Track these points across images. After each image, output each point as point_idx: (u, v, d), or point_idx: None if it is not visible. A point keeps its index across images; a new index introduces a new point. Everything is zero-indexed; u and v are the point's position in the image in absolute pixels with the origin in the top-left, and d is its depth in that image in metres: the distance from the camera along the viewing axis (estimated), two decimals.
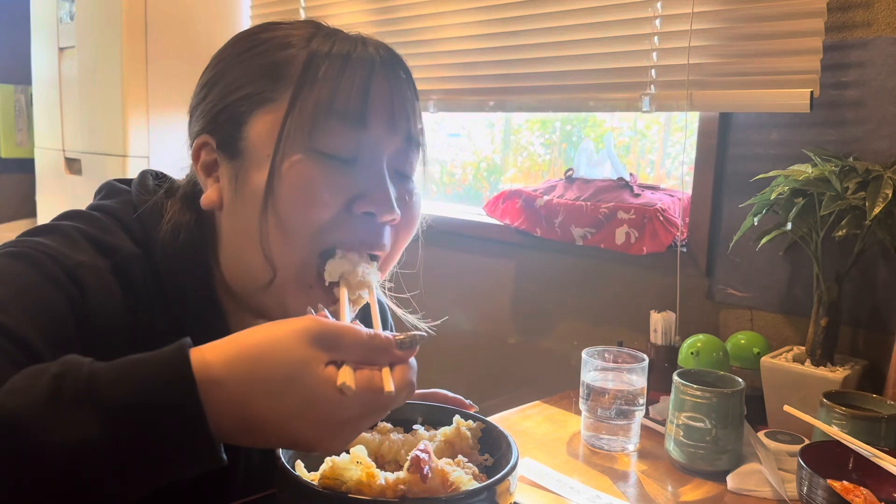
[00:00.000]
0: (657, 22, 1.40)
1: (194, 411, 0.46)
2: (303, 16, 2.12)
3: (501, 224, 1.71)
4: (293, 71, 0.69)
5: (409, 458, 0.59)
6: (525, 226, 1.64)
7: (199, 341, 0.72)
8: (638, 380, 1.06)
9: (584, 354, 1.09)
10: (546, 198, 1.61)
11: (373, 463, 0.60)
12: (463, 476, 0.60)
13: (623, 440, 1.06)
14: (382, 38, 0.75)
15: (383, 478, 0.58)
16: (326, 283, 0.69)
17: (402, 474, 0.59)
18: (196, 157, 0.74)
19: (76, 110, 2.36)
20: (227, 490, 0.77)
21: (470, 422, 0.72)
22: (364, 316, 0.90)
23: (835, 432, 0.88)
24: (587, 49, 1.52)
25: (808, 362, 1.13)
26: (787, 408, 0.91)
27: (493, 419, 0.93)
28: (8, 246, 0.67)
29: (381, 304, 1.00)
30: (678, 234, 1.43)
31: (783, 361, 1.14)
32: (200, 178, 0.74)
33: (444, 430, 0.70)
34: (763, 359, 1.15)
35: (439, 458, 0.65)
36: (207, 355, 0.49)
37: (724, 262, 1.38)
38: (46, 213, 2.63)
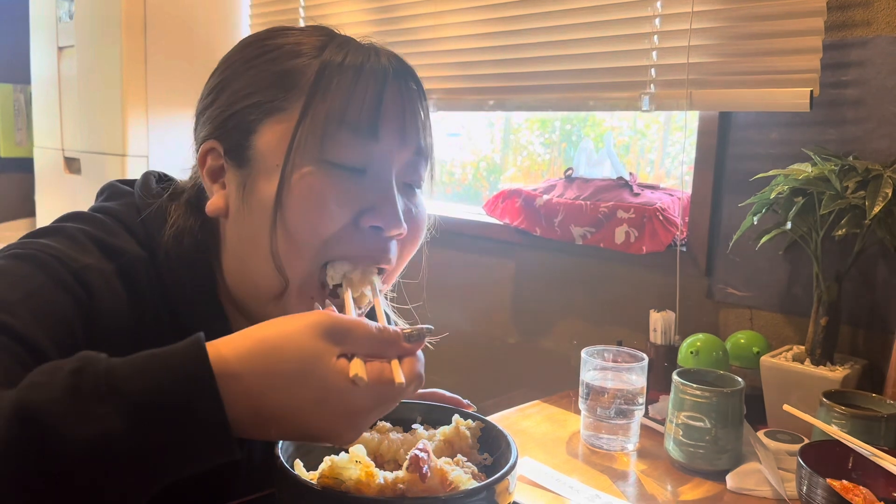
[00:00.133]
0: (657, 21, 1.40)
1: (213, 404, 0.47)
2: (302, 15, 2.12)
3: (501, 223, 1.71)
4: (305, 81, 0.68)
5: (408, 457, 0.59)
6: (524, 225, 1.64)
7: None
8: (637, 379, 1.06)
9: (583, 354, 1.09)
10: (546, 197, 1.61)
11: (372, 462, 0.60)
12: (462, 475, 0.60)
13: (622, 439, 1.06)
14: (381, 38, 0.74)
15: (382, 477, 0.58)
16: (330, 287, 0.69)
17: (401, 473, 0.59)
18: (202, 162, 0.73)
19: (75, 110, 2.36)
20: (228, 489, 0.77)
21: (469, 421, 0.71)
22: (368, 318, 0.90)
23: (834, 431, 0.87)
24: (587, 48, 1.52)
25: (807, 362, 1.13)
26: (786, 407, 0.91)
27: (493, 418, 0.93)
28: (13, 248, 0.66)
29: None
30: (678, 233, 1.43)
31: (783, 361, 1.14)
32: (206, 184, 0.74)
33: (444, 430, 0.70)
34: (763, 358, 1.15)
35: (438, 457, 0.65)
36: (222, 349, 0.49)
37: (723, 262, 1.38)
38: (45, 212, 2.63)
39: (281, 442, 0.63)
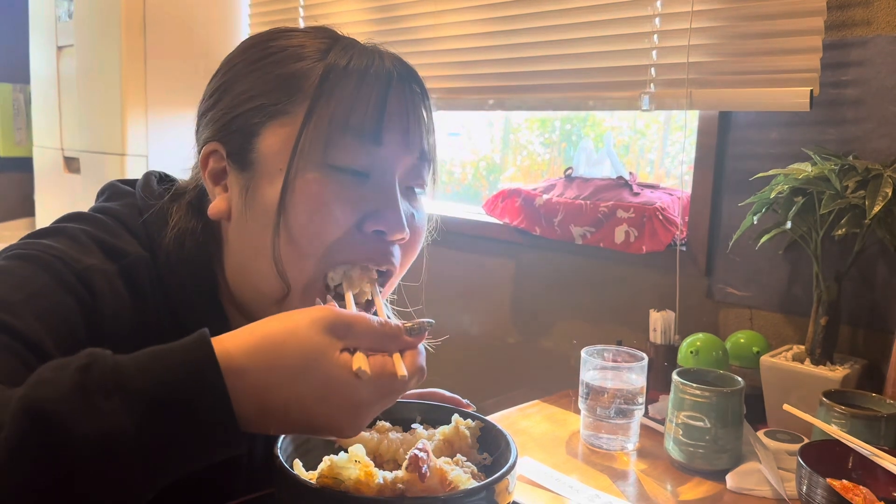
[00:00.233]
0: (657, 20, 1.40)
1: (221, 399, 0.47)
2: (302, 15, 2.12)
3: (501, 223, 1.71)
4: (309, 84, 0.68)
5: (407, 457, 0.59)
6: (524, 225, 1.64)
7: None
8: (637, 379, 1.06)
9: (583, 353, 1.09)
10: (545, 197, 1.61)
11: (371, 462, 0.60)
12: (461, 475, 0.60)
13: (622, 439, 1.06)
14: (381, 37, 0.74)
15: (381, 477, 0.58)
16: (332, 289, 0.69)
17: (400, 473, 0.58)
18: (204, 163, 0.73)
19: (75, 109, 2.36)
20: (229, 489, 0.77)
21: (469, 421, 0.71)
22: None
23: (834, 431, 0.87)
24: (587, 48, 1.51)
25: (807, 361, 1.13)
26: (786, 407, 0.91)
27: (492, 418, 0.93)
28: (15, 248, 0.66)
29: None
30: (677, 232, 1.43)
31: (783, 360, 1.14)
32: (208, 186, 0.74)
33: (443, 429, 0.70)
34: (762, 358, 1.14)
35: (438, 456, 0.64)
36: (227, 345, 0.50)
37: (723, 261, 1.38)
38: (45, 212, 2.63)
39: (280, 441, 0.63)
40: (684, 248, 1.43)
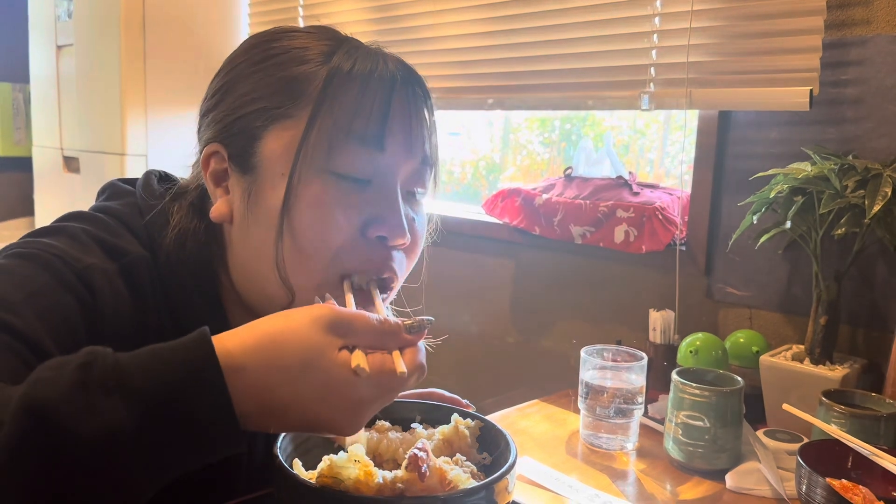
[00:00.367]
0: (656, 20, 1.40)
1: (221, 398, 0.48)
2: (301, 14, 2.12)
3: (500, 223, 1.71)
4: (312, 89, 0.68)
5: (406, 456, 0.59)
6: (524, 224, 1.64)
7: None
8: (637, 378, 1.06)
9: (582, 353, 1.09)
10: (545, 196, 1.61)
11: (371, 461, 0.59)
12: (461, 474, 0.60)
13: (622, 439, 1.06)
14: (380, 37, 0.74)
15: (381, 476, 0.58)
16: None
17: (400, 473, 0.58)
18: (205, 164, 0.73)
19: (74, 109, 2.36)
20: (228, 488, 0.77)
21: (468, 420, 0.71)
22: None
23: (834, 431, 0.87)
24: (586, 47, 1.51)
25: (807, 361, 1.13)
26: (786, 406, 0.91)
27: (492, 418, 0.93)
28: (16, 247, 0.66)
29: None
30: (677, 232, 1.43)
31: (782, 360, 1.13)
32: (209, 187, 0.73)
33: (443, 429, 0.70)
34: (762, 357, 1.14)
35: (437, 456, 0.64)
36: (227, 343, 0.50)
37: (723, 261, 1.38)
38: (44, 211, 2.63)
39: (280, 441, 0.63)
40: (684, 248, 1.43)
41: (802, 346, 1.17)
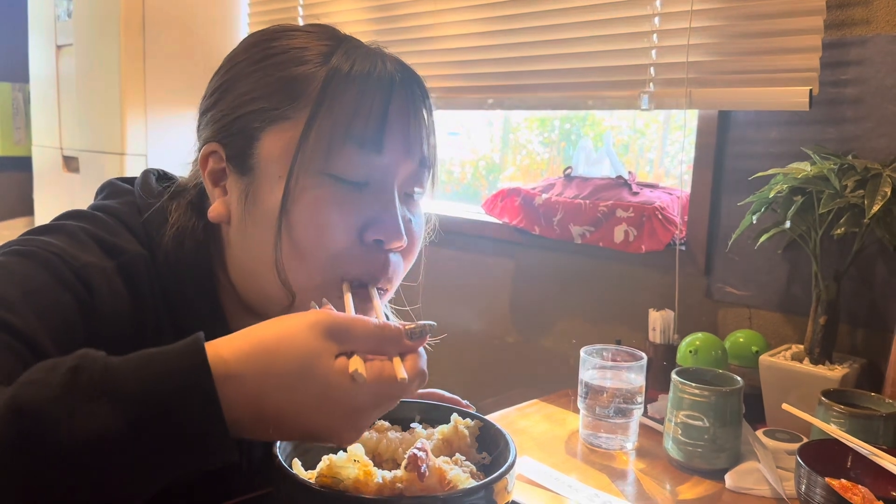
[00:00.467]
0: (656, 20, 1.40)
1: (211, 406, 0.47)
2: (301, 14, 2.12)
3: (500, 222, 1.71)
4: (311, 90, 0.68)
5: (406, 456, 0.59)
6: (524, 224, 1.64)
7: None
8: (636, 378, 1.06)
9: (582, 353, 1.09)
10: (545, 196, 1.61)
11: (370, 461, 0.60)
12: (460, 474, 0.60)
13: (621, 438, 1.06)
14: (380, 37, 0.74)
15: (381, 476, 0.58)
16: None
17: (399, 472, 0.58)
18: (204, 163, 0.73)
19: (74, 108, 2.35)
20: (228, 488, 0.77)
21: (468, 420, 0.71)
22: None
23: (833, 430, 0.87)
24: (586, 47, 1.51)
25: (806, 361, 1.13)
26: (785, 406, 0.91)
27: (492, 417, 0.93)
28: (14, 245, 0.66)
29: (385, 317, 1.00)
30: (677, 232, 1.43)
31: (782, 360, 1.14)
32: (207, 186, 0.73)
33: (442, 429, 0.70)
34: (761, 357, 1.14)
35: (437, 456, 0.64)
36: (221, 350, 0.49)
37: (722, 261, 1.38)
38: (44, 211, 2.63)
39: (279, 440, 0.63)
40: (683, 248, 1.43)
41: (802, 346, 1.17)
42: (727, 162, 1.37)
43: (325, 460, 0.58)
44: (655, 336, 1.28)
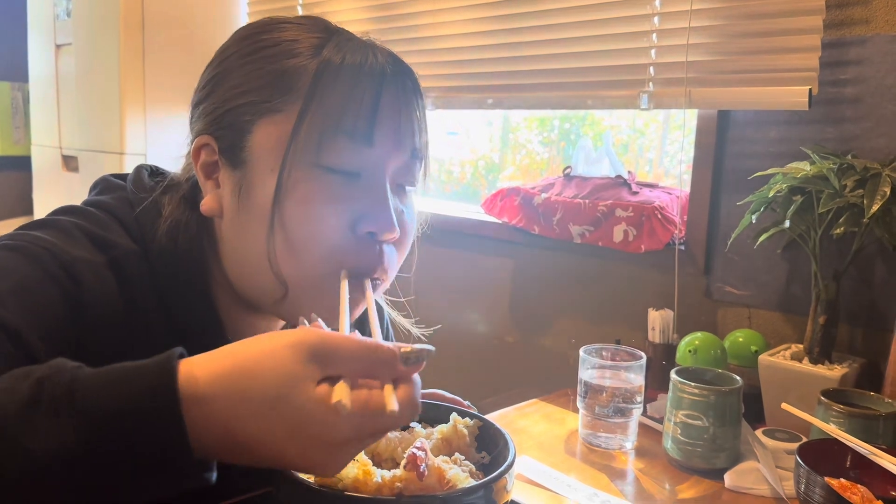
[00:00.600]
0: (655, 19, 1.40)
1: (175, 426, 0.44)
2: (300, 13, 2.12)
3: (499, 222, 1.71)
4: (302, 83, 0.68)
5: (405, 455, 0.59)
6: (523, 223, 1.64)
7: (193, 339, 0.71)
8: (636, 378, 1.06)
9: (581, 352, 1.09)
10: (544, 195, 1.61)
11: (369, 460, 0.59)
12: (460, 474, 0.60)
13: (621, 438, 1.06)
14: (380, 36, 0.74)
15: (380, 475, 0.58)
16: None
17: (398, 472, 0.58)
18: (196, 155, 0.73)
19: (73, 108, 2.35)
20: (226, 487, 0.77)
21: (467, 419, 0.71)
22: (361, 325, 0.90)
23: (833, 430, 0.87)
24: (586, 46, 1.51)
25: (805, 360, 1.13)
26: (784, 406, 0.91)
27: (491, 417, 0.93)
28: (4, 239, 0.66)
29: (380, 308, 1.00)
30: (676, 231, 1.43)
31: (781, 359, 1.14)
32: (199, 179, 0.73)
33: (441, 428, 0.70)
34: (761, 357, 1.14)
35: (436, 455, 0.64)
36: (195, 369, 0.46)
37: (722, 260, 1.38)
38: (43, 210, 2.60)
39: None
40: (683, 247, 1.43)
41: (801, 346, 1.17)
42: (726, 161, 1.37)
43: None
44: (655, 335, 1.28)
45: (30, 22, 2.55)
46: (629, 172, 1.61)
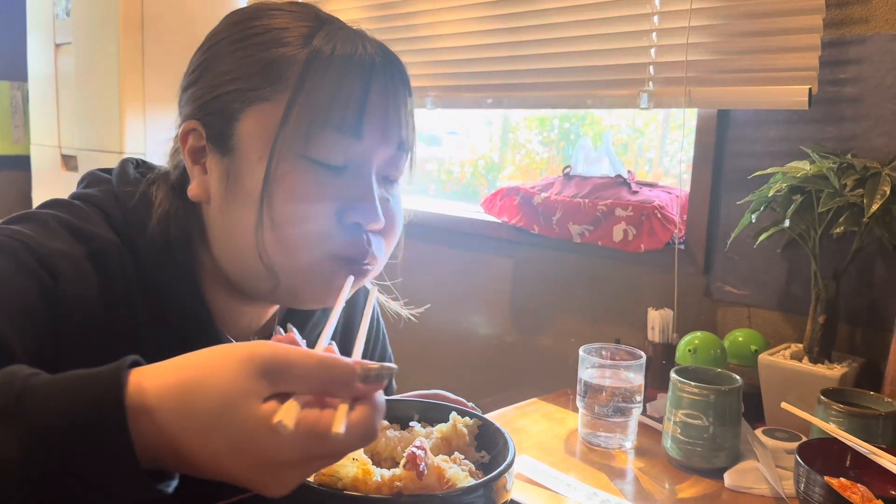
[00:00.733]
0: (655, 18, 1.40)
1: (120, 436, 0.43)
2: None
3: (499, 221, 1.71)
4: (291, 73, 0.68)
5: (405, 454, 0.59)
6: (523, 223, 1.64)
7: (181, 330, 0.71)
8: (635, 377, 1.06)
9: (581, 352, 1.09)
10: (544, 195, 1.61)
11: (369, 460, 0.59)
12: (459, 473, 0.60)
13: (620, 437, 1.06)
14: (380, 35, 0.74)
15: (379, 475, 0.58)
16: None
17: (398, 471, 0.58)
18: (184, 140, 0.73)
19: (72, 107, 2.35)
20: (225, 487, 0.77)
21: (466, 419, 0.71)
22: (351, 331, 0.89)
23: (832, 429, 0.87)
24: (585, 46, 1.51)
25: (805, 360, 1.13)
26: (784, 405, 0.91)
27: (490, 416, 0.93)
28: None
29: (377, 320, 1.00)
30: (676, 231, 1.43)
31: (781, 359, 1.13)
32: (187, 164, 0.73)
33: (441, 427, 0.70)
34: (761, 356, 1.14)
35: (436, 454, 0.64)
36: (144, 381, 0.45)
37: (721, 260, 1.38)
38: None
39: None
40: (682, 247, 1.43)
41: (801, 345, 1.17)
42: (726, 161, 1.37)
43: None
44: (654, 335, 1.28)
45: (29, 21, 2.55)
46: (629, 172, 1.61)
